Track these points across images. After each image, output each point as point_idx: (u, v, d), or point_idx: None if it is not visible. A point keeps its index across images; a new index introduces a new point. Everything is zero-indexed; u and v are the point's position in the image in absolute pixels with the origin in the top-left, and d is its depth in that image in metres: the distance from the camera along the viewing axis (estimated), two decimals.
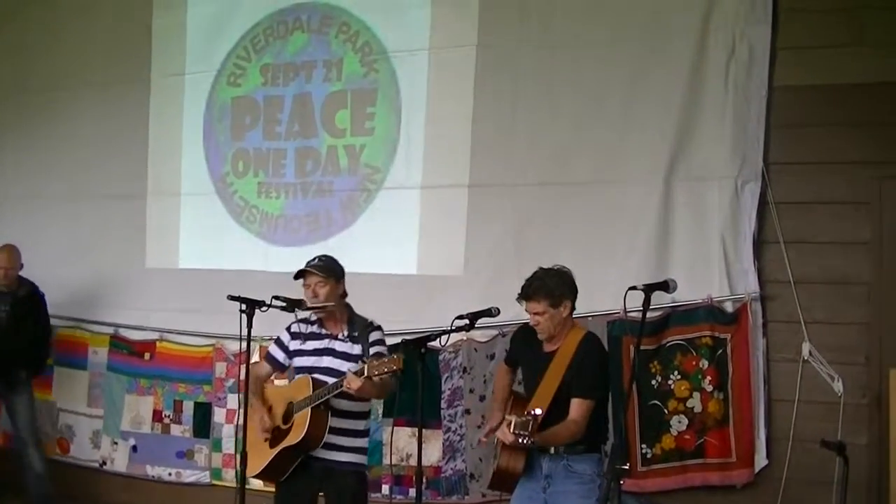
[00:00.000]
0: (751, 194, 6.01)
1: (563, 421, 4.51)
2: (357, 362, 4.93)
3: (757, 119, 6.02)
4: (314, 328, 5.14)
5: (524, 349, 4.86)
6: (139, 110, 7.75)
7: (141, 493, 7.49)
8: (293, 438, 4.91)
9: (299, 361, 5.13)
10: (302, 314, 5.14)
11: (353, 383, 4.71)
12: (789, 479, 5.89)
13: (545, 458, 4.63)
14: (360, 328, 5.06)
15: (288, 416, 5.01)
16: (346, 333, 5.06)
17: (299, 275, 5.08)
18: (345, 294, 5.15)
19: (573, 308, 4.71)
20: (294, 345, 5.16)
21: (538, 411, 4.24)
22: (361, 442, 5.10)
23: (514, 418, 4.22)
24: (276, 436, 5.02)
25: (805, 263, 5.95)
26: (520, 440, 4.20)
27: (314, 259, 5.12)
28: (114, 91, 7.83)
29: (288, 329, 5.22)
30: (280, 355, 5.21)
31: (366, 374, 4.68)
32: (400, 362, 4.60)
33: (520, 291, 4.67)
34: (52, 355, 7.60)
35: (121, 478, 7.55)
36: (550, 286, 4.61)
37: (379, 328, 5.13)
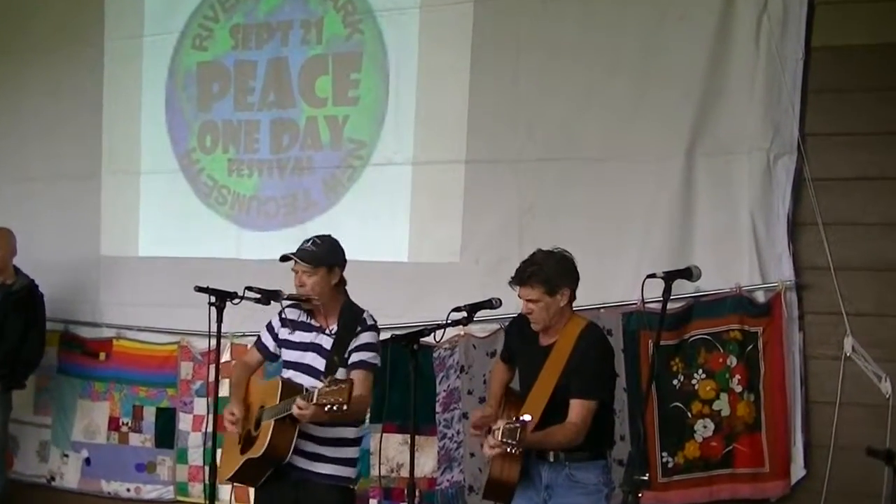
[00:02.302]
0: (785, 169, 6.02)
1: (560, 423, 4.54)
2: (343, 366, 4.96)
3: (792, 84, 6.01)
4: (304, 317, 5.14)
5: (519, 343, 4.89)
6: (91, 78, 7.76)
7: None
8: (257, 450, 4.92)
9: (286, 354, 5.14)
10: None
11: (304, 411, 4.67)
12: (830, 492, 5.90)
13: (544, 467, 4.65)
14: (346, 326, 5.05)
15: (258, 422, 5.04)
16: (334, 329, 5.07)
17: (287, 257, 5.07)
18: (342, 282, 5.14)
19: (572, 297, 4.73)
20: (283, 333, 5.16)
21: (527, 418, 4.25)
22: (350, 452, 5.09)
23: (501, 425, 4.24)
24: (247, 441, 5.04)
25: (847, 247, 5.96)
26: (507, 449, 4.23)
27: (309, 241, 5.10)
28: (61, 56, 7.85)
29: (280, 314, 5.22)
30: (270, 342, 5.22)
31: (315, 400, 4.61)
32: (346, 395, 4.50)
33: (513, 275, 4.70)
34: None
35: (72, 495, 7.58)
36: (547, 271, 4.64)
37: (372, 328, 5.10)
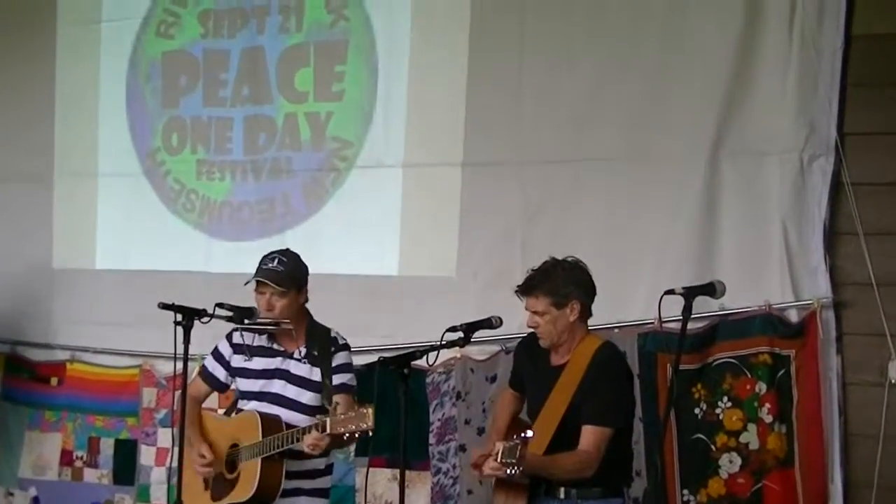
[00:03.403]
0: (821, 173, 6.02)
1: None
2: (318, 391, 5.03)
3: (830, 77, 6.01)
4: (263, 341, 5.20)
5: (528, 364, 4.90)
6: (41, 68, 7.79)
7: None
8: (241, 494, 4.97)
9: (243, 384, 5.20)
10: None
11: (317, 443, 4.76)
12: None
13: None
14: (322, 348, 5.11)
15: (232, 463, 5.07)
16: (303, 352, 5.13)
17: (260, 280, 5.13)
18: (306, 300, 5.22)
19: (584, 312, 4.74)
20: (237, 361, 5.23)
21: (529, 434, 4.26)
22: (322, 482, 5.19)
23: (501, 444, 4.26)
24: (219, 485, 5.08)
25: (891, 261, 5.95)
26: (507, 470, 4.24)
27: (272, 259, 5.15)
28: (7, 44, 7.87)
29: (229, 338, 5.29)
30: (220, 372, 5.28)
31: (329, 430, 4.70)
32: (370, 420, 4.60)
33: (520, 284, 4.72)
34: None
35: None
36: (556, 281, 4.65)
37: (345, 347, 5.19)
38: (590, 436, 4.53)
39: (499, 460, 4.23)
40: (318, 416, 4.84)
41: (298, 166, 7.16)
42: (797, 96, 6.05)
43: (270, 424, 4.97)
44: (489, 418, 6.15)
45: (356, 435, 4.68)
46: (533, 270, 4.75)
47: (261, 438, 4.94)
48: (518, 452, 4.18)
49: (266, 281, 5.05)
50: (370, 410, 4.61)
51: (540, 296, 4.67)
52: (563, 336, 4.70)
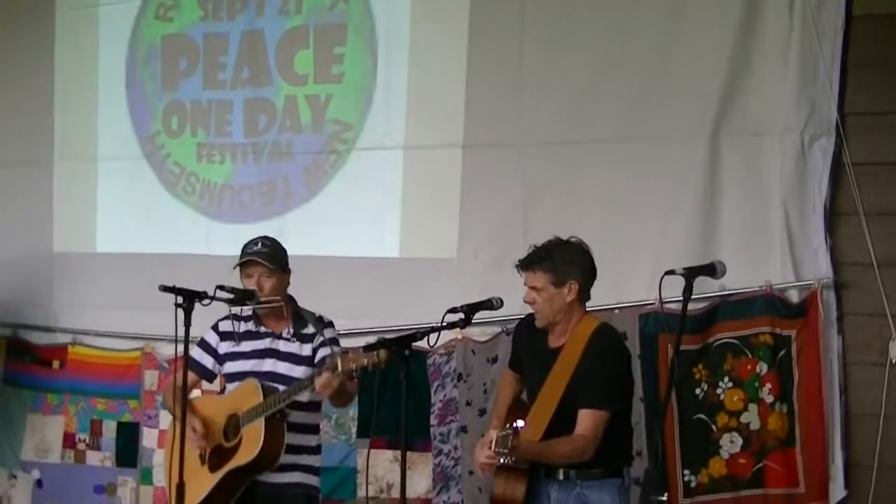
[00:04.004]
0: (822, 153, 6.03)
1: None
2: (308, 366, 5.11)
3: (831, 57, 6.02)
4: (250, 326, 5.29)
5: (527, 346, 4.92)
6: (41, 52, 7.79)
7: None
8: (245, 456, 5.01)
9: (232, 367, 5.27)
10: (236, 309, 5.28)
11: (328, 383, 4.81)
12: None
13: (553, 486, 4.67)
14: (312, 322, 5.23)
15: (230, 432, 5.12)
16: (291, 332, 5.22)
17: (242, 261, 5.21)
18: (289, 282, 5.30)
19: (582, 294, 4.74)
20: (225, 347, 5.32)
21: (520, 423, 4.26)
22: (313, 460, 5.27)
23: (495, 434, 4.27)
24: (217, 457, 5.12)
25: (892, 241, 5.97)
26: (500, 459, 4.25)
27: (256, 243, 5.25)
28: (7, 28, 7.86)
29: (215, 328, 5.37)
30: (207, 360, 5.36)
31: (340, 368, 4.76)
32: (384, 354, 4.68)
33: (521, 258, 4.73)
34: None
35: None
36: (557, 260, 4.67)
37: (331, 325, 5.29)
38: (587, 420, 4.54)
39: (492, 449, 4.24)
40: (327, 359, 4.90)
41: (299, 149, 7.17)
42: (798, 77, 6.05)
43: (270, 390, 5.04)
44: (491, 400, 6.17)
45: (368, 369, 4.73)
46: (535, 247, 4.76)
47: (262, 400, 5.00)
48: (510, 442, 4.19)
49: (257, 259, 5.14)
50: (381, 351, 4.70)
51: (539, 272, 4.68)
52: (558, 315, 4.70)
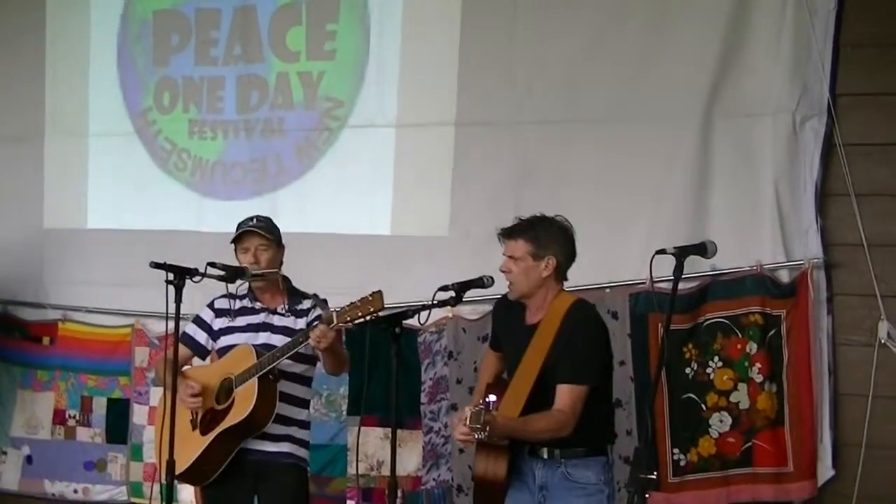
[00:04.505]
0: (813, 133, 6.05)
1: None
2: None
3: (823, 37, 6.04)
4: (245, 302, 5.30)
5: (504, 323, 4.90)
6: (32, 26, 7.74)
7: None
8: (237, 415, 5.03)
9: (226, 340, 5.28)
10: (231, 287, 5.28)
11: (324, 334, 4.85)
12: (862, 495, 5.95)
13: (538, 465, 4.65)
14: (307, 297, 5.26)
15: (222, 395, 5.15)
16: (286, 307, 5.24)
17: (237, 236, 5.22)
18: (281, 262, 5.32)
19: (560, 272, 4.69)
20: (220, 323, 5.32)
21: (492, 398, 4.26)
22: (303, 434, 5.28)
23: (469, 410, 4.26)
24: (208, 420, 5.15)
25: (882, 221, 6.01)
26: (475, 434, 4.25)
27: (250, 219, 5.27)
28: None
29: (211, 305, 5.38)
30: (201, 336, 5.36)
31: (335, 322, 4.80)
32: (382, 299, 4.72)
33: (503, 228, 4.73)
34: None
35: (11, 497, 7.59)
36: (539, 233, 4.66)
37: (325, 303, 5.29)
38: (565, 395, 4.52)
39: (466, 425, 4.24)
40: (323, 312, 4.98)
41: (291, 126, 7.16)
42: (790, 57, 6.07)
43: (263, 353, 5.06)
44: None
45: (361, 316, 4.78)
46: (520, 219, 4.76)
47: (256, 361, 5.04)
48: (482, 418, 4.18)
49: (255, 229, 5.15)
50: (377, 296, 4.75)
51: (520, 240, 4.66)
52: (532, 289, 4.67)
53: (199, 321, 5.38)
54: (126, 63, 7.58)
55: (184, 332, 5.34)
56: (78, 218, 7.66)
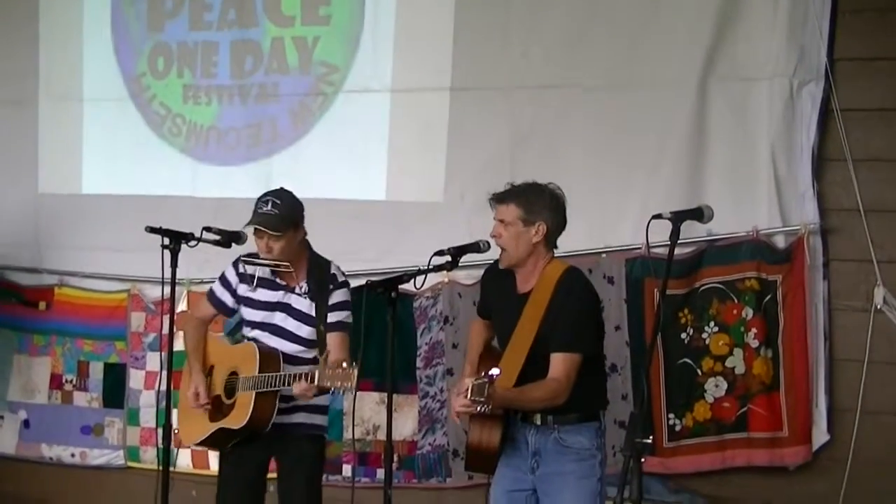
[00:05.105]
0: (810, 98, 6.04)
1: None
2: (314, 326, 5.11)
3: (821, 3, 6.01)
4: (267, 273, 5.24)
5: (494, 292, 4.88)
6: None
7: (34, 479, 7.55)
8: (234, 422, 5.08)
9: (247, 313, 5.27)
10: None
11: (305, 392, 4.88)
12: (856, 459, 5.96)
13: (531, 432, 4.66)
14: (321, 284, 5.18)
15: (231, 390, 5.18)
16: (304, 288, 5.19)
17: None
18: (304, 234, 5.24)
19: (550, 240, 4.67)
20: (243, 290, 5.28)
21: (495, 371, 4.24)
22: (320, 399, 5.23)
23: (469, 382, 4.26)
24: (216, 407, 5.19)
25: (879, 187, 5.99)
26: (478, 408, 4.25)
27: (266, 202, 5.12)
28: None
29: (234, 265, 5.31)
30: (228, 298, 5.33)
31: (317, 382, 4.78)
32: (353, 380, 4.69)
33: (495, 192, 4.71)
34: None
35: (8, 461, 7.59)
36: (532, 198, 4.64)
37: (344, 285, 5.24)
38: (559, 364, 4.52)
39: (468, 398, 4.23)
40: (308, 368, 4.92)
41: (285, 91, 7.13)
42: (788, 21, 6.05)
43: (267, 358, 5.05)
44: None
45: (340, 393, 4.83)
46: (512, 184, 4.74)
47: (257, 372, 5.02)
48: (486, 391, 4.19)
49: (261, 227, 5.07)
50: (354, 371, 4.67)
51: (511, 205, 4.65)
52: (521, 255, 4.65)
53: (224, 282, 5.33)
54: (120, 28, 7.53)
55: (211, 291, 5.37)
56: (73, 183, 7.63)
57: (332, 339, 5.08)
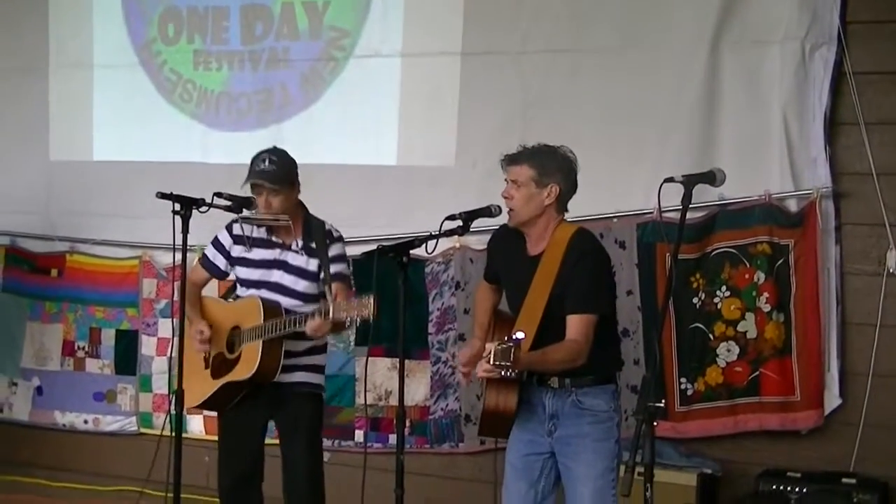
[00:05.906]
0: (822, 62, 6.00)
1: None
2: (313, 281, 5.15)
3: None
4: (262, 233, 5.27)
5: (503, 257, 4.85)
6: None
7: (48, 446, 7.61)
8: (241, 373, 5.11)
9: (242, 272, 5.29)
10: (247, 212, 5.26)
11: (319, 328, 4.90)
12: (868, 423, 5.96)
13: (548, 394, 4.65)
14: (318, 239, 5.21)
15: (233, 344, 5.20)
16: (300, 244, 5.22)
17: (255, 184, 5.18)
18: (298, 193, 5.27)
19: (561, 202, 4.65)
20: (237, 251, 5.31)
21: (521, 335, 4.22)
22: (319, 359, 5.32)
23: (493, 346, 4.24)
24: (219, 364, 5.21)
25: (892, 151, 5.96)
26: (503, 373, 4.24)
27: (262, 160, 5.15)
28: None
29: (229, 229, 5.35)
30: (220, 261, 5.36)
31: (332, 317, 4.81)
32: (372, 307, 4.70)
33: (507, 153, 4.70)
34: None
35: (22, 428, 7.67)
36: (544, 160, 4.62)
37: (339, 239, 5.30)
38: (576, 324, 4.51)
39: (492, 363, 4.22)
40: (321, 302, 4.96)
41: (296, 56, 7.12)
42: None
43: (271, 309, 5.09)
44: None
45: (357, 321, 4.80)
46: (525, 146, 4.72)
47: (262, 322, 5.04)
48: (512, 355, 4.17)
49: (260, 182, 5.09)
50: (371, 299, 4.68)
51: (524, 166, 4.62)
52: (532, 217, 4.62)
53: (217, 245, 5.36)
54: None
55: (203, 255, 5.42)
56: (84, 150, 7.65)
57: (335, 288, 5.11)
